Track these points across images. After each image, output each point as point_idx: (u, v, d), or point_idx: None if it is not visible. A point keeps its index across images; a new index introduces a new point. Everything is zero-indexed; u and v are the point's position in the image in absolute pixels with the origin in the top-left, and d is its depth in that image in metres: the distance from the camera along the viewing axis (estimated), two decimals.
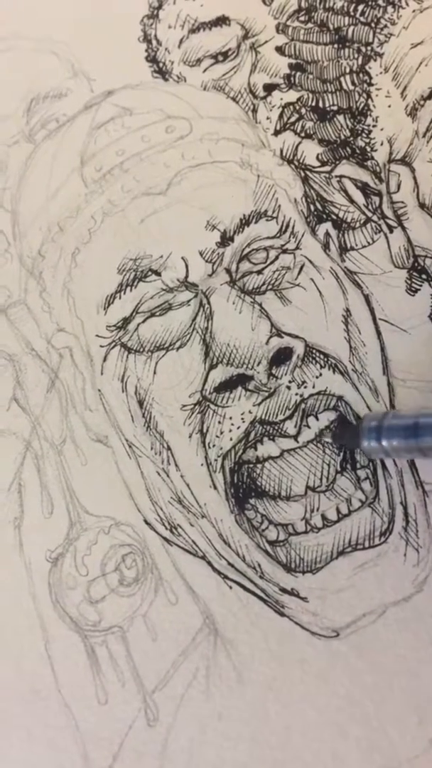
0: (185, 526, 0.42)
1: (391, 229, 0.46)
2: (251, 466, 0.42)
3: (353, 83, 0.49)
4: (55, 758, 0.39)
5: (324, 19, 0.50)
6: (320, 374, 0.43)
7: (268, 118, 0.49)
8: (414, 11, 0.50)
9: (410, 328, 0.44)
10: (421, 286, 0.45)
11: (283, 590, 0.40)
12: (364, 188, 0.47)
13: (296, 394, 0.42)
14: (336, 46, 0.50)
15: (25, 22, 0.52)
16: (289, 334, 0.43)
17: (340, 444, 0.41)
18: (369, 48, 0.49)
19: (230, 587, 0.41)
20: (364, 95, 0.49)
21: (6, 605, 0.41)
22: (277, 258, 0.45)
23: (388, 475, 0.42)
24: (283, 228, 0.46)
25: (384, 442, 0.38)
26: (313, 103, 0.49)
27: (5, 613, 0.41)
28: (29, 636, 0.40)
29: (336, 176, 0.47)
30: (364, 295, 0.45)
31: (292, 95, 0.49)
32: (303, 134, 0.48)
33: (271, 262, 0.45)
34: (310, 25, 0.50)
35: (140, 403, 0.43)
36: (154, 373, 0.44)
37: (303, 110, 0.49)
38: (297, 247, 0.45)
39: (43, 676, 0.40)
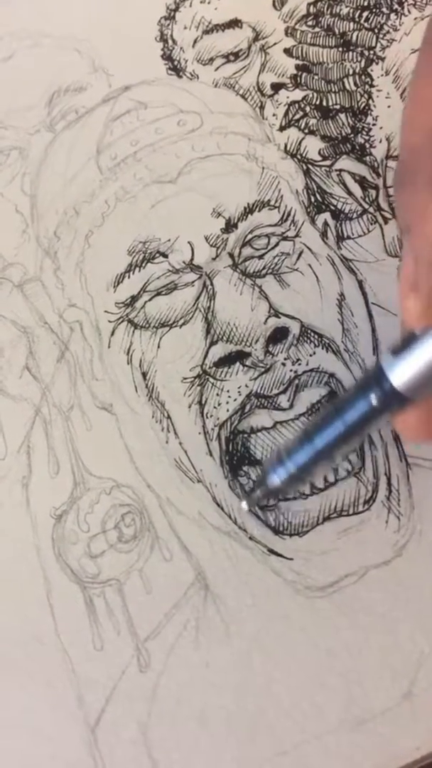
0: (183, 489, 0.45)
1: (386, 220, 0.50)
2: (245, 435, 0.45)
3: (356, 84, 0.53)
4: (52, 700, 0.42)
5: (330, 24, 0.54)
6: (314, 353, 0.46)
7: (274, 115, 0.53)
8: (415, 19, 0.54)
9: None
10: None
11: (271, 551, 0.43)
12: (362, 182, 0.51)
13: (291, 370, 0.46)
14: (341, 49, 0.53)
15: (50, 22, 0.56)
16: (286, 315, 0.47)
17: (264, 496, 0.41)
18: (372, 52, 0.53)
19: (221, 547, 0.44)
20: (366, 96, 0.52)
21: (12, 557, 0.44)
22: (277, 244, 0.48)
23: (374, 448, 0.45)
24: (284, 217, 0.49)
25: (289, 464, 0.38)
26: (317, 102, 0.53)
27: (11, 565, 0.44)
28: (32, 586, 0.43)
29: (336, 170, 0.51)
30: (358, 281, 0.48)
31: (297, 94, 0.53)
32: (306, 130, 0.52)
33: (272, 248, 0.48)
34: (317, 29, 0.54)
35: (144, 374, 0.47)
36: (158, 347, 0.47)
37: (307, 108, 0.52)
38: (297, 235, 0.49)
39: (44, 623, 0.43)
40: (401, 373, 0.33)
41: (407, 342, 0.33)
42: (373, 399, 0.34)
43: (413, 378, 0.33)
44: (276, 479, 0.40)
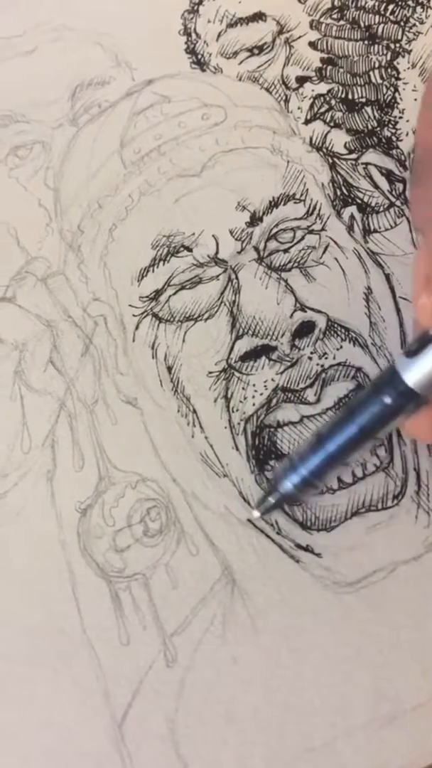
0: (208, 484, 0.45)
1: None
2: (272, 430, 0.45)
3: (382, 77, 0.53)
4: (78, 695, 0.42)
5: (356, 17, 0.54)
6: (341, 347, 0.46)
7: (299, 108, 0.53)
8: None
9: None
10: None
11: (299, 546, 0.43)
12: (388, 175, 0.51)
13: (317, 364, 0.46)
14: (366, 42, 0.53)
15: (73, 15, 0.56)
16: (313, 309, 0.47)
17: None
18: (398, 45, 0.53)
19: (248, 542, 0.44)
20: (392, 89, 0.52)
21: (37, 552, 0.44)
22: (303, 238, 0.49)
23: (403, 443, 0.45)
24: (310, 210, 0.49)
25: (302, 469, 0.40)
26: (343, 95, 0.53)
27: (37, 560, 0.44)
28: (58, 580, 0.44)
29: (362, 163, 0.51)
30: (385, 275, 0.48)
31: (322, 87, 0.53)
32: (332, 124, 0.52)
33: (298, 242, 0.48)
34: (342, 22, 0.54)
35: (169, 368, 0.47)
36: (183, 341, 0.47)
37: (333, 101, 0.52)
38: (323, 229, 0.49)
39: (70, 618, 0.43)
40: (415, 373, 0.33)
41: (422, 342, 0.33)
42: (388, 399, 0.35)
43: (428, 376, 0.33)
44: (289, 485, 0.40)
